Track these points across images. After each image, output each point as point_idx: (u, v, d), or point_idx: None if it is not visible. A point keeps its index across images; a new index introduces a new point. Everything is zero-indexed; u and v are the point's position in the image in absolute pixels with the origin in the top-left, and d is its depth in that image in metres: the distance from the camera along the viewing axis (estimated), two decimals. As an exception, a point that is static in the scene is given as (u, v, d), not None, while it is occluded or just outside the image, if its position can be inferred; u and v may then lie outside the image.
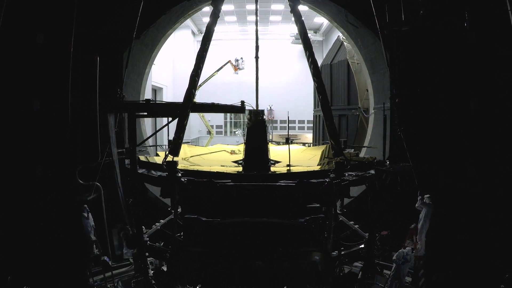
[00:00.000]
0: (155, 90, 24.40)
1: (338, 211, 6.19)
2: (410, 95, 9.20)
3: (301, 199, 3.98)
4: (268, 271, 3.24)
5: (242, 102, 5.93)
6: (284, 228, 3.56)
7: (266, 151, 4.87)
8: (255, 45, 6.50)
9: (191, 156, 6.07)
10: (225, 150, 7.60)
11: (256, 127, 5.13)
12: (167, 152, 4.70)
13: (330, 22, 14.68)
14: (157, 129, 5.09)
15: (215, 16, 5.74)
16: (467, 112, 8.02)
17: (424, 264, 7.29)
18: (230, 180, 3.98)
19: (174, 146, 4.69)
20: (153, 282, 4.48)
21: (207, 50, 5.52)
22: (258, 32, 7.85)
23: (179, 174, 4.18)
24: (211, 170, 4.46)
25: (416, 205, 7.27)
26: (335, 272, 4.62)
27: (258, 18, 6.99)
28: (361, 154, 11.32)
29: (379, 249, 5.35)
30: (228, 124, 33.27)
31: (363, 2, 7.97)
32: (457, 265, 7.40)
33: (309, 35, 24.93)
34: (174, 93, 25.39)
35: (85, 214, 7.55)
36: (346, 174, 4.54)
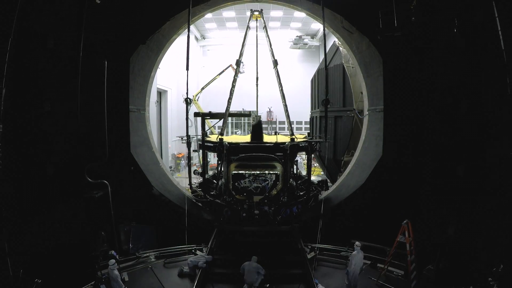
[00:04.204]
0: (160, 93, 24.40)
1: (304, 174, 12.87)
2: (398, 98, 9.61)
3: (274, 151, 10.13)
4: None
5: (250, 111, 13.32)
6: (266, 157, 10.09)
7: (261, 135, 10.66)
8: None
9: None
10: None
11: (257, 124, 10.65)
12: (218, 134, 11.59)
13: (326, 28, 15.03)
14: (207, 128, 11.74)
15: (236, 74, 12.22)
16: (459, 113, 8.39)
17: (416, 258, 7.66)
18: (247, 144, 10.40)
19: (222, 131, 11.32)
20: (207, 196, 10.99)
21: (231, 100, 11.86)
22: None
23: (226, 142, 10.15)
24: (237, 141, 10.57)
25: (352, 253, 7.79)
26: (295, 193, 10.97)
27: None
28: (356, 152, 11.75)
29: (319, 186, 11.47)
30: (229, 125, 33.55)
31: (358, 9, 8.37)
32: (448, 259, 7.76)
33: (306, 40, 25.85)
34: (178, 96, 25.56)
35: None
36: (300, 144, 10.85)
